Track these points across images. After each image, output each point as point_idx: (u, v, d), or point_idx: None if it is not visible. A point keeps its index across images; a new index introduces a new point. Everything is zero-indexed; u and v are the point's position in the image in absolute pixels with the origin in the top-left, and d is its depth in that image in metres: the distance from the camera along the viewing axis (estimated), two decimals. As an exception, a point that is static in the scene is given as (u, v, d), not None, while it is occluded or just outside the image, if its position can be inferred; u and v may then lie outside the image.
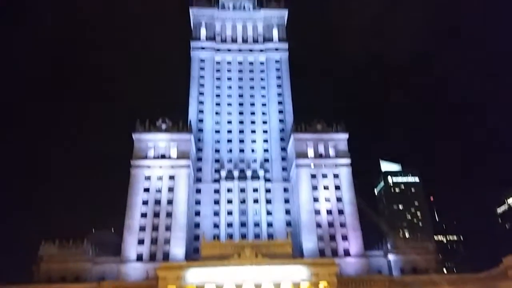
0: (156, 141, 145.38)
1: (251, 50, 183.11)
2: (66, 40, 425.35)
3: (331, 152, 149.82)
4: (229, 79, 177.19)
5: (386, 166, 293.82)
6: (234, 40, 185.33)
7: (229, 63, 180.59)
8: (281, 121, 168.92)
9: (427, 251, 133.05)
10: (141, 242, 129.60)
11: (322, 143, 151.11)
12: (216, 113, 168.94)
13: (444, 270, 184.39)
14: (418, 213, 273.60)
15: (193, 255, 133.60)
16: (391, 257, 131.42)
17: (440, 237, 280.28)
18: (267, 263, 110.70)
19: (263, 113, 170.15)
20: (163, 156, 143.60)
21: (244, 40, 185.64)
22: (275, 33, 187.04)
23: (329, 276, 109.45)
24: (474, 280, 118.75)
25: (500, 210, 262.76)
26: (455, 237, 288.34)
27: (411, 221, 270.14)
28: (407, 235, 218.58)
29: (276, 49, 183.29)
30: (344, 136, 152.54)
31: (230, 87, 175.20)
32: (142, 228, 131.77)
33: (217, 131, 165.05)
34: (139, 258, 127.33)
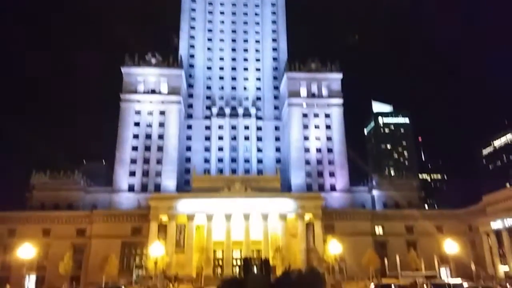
0: (146, 76, 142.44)
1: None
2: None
3: (324, 91, 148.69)
4: (222, 13, 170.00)
5: (378, 106, 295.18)
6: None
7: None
8: (274, 59, 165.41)
9: (411, 188, 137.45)
10: (132, 174, 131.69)
11: (315, 82, 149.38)
12: (208, 49, 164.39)
13: (426, 206, 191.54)
14: (405, 153, 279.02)
15: (184, 187, 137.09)
16: (375, 192, 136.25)
17: (425, 176, 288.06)
18: (256, 196, 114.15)
19: (257, 50, 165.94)
20: (153, 91, 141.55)
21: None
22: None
23: (315, 209, 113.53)
24: (453, 216, 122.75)
25: (485, 151, 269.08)
26: (439, 176, 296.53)
27: (398, 160, 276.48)
28: (392, 173, 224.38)
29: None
30: (338, 76, 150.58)
31: (222, 22, 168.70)
32: (133, 161, 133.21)
33: (209, 68, 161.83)
34: (131, 188, 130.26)
